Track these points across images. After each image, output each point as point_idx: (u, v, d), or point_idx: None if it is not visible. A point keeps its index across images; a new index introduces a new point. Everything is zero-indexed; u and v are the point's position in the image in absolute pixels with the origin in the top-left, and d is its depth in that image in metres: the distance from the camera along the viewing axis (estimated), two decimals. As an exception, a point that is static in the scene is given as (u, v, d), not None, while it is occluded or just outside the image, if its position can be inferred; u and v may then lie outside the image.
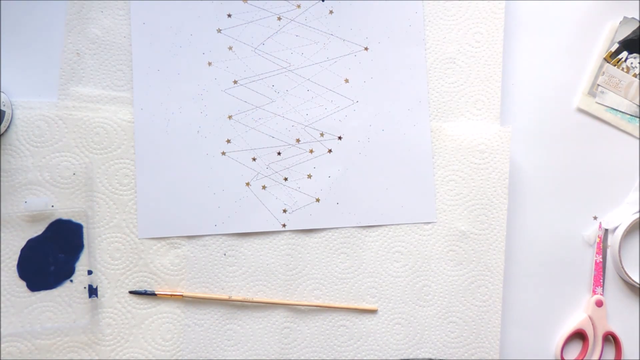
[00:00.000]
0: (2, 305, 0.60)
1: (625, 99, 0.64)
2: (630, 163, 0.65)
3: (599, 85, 0.64)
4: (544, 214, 0.65)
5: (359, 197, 0.63)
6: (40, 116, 0.62)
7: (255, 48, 0.63)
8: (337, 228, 0.62)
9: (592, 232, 0.64)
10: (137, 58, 0.62)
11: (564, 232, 0.65)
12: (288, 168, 0.62)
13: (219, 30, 0.63)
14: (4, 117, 0.59)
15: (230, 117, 0.62)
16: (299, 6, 0.63)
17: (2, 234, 0.60)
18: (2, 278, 0.60)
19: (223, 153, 0.62)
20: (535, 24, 0.66)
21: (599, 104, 0.64)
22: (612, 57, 0.64)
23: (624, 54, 0.64)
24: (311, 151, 0.63)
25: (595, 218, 0.64)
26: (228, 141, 0.62)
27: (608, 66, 0.64)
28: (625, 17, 0.64)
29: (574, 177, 0.65)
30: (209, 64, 0.63)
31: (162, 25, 0.62)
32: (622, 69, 0.65)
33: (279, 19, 0.63)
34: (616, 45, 0.64)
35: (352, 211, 0.62)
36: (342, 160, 0.63)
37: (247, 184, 0.62)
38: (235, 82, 0.63)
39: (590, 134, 0.65)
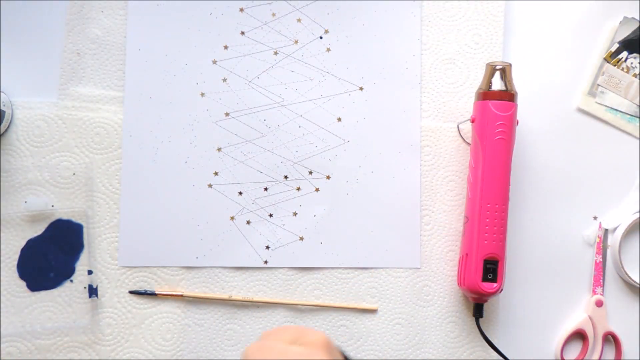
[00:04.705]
0: (2, 305, 0.60)
1: (625, 99, 0.64)
2: (630, 163, 0.65)
3: (599, 85, 0.64)
4: (544, 214, 0.64)
5: (343, 238, 0.62)
6: (40, 116, 0.62)
7: (250, 81, 0.63)
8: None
9: (592, 232, 0.64)
10: (130, 84, 0.61)
11: (563, 232, 0.64)
12: (274, 204, 0.62)
13: (215, 62, 0.63)
14: (4, 117, 0.60)
15: (219, 149, 0.62)
16: (296, 42, 0.63)
17: (2, 234, 0.60)
18: (2, 278, 0.60)
19: (210, 185, 0.62)
20: (534, 24, 0.65)
21: (599, 104, 0.64)
22: (612, 57, 0.64)
23: (624, 54, 0.64)
24: (298, 189, 0.62)
25: (595, 218, 0.64)
26: (215, 173, 0.62)
27: (608, 66, 0.64)
28: (625, 17, 0.64)
29: (573, 177, 0.65)
30: (202, 94, 0.62)
31: (158, 52, 0.62)
32: (622, 69, 0.65)
33: (276, 53, 0.63)
34: (616, 45, 0.64)
35: (336, 252, 0.62)
36: (329, 199, 0.62)
37: (232, 218, 0.62)
38: (227, 114, 0.62)
39: (591, 134, 0.65)
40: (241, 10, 0.63)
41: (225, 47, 0.63)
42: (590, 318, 0.63)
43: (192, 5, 0.62)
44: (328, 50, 0.63)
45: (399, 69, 0.63)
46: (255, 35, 0.63)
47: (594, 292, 0.63)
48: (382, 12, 0.64)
